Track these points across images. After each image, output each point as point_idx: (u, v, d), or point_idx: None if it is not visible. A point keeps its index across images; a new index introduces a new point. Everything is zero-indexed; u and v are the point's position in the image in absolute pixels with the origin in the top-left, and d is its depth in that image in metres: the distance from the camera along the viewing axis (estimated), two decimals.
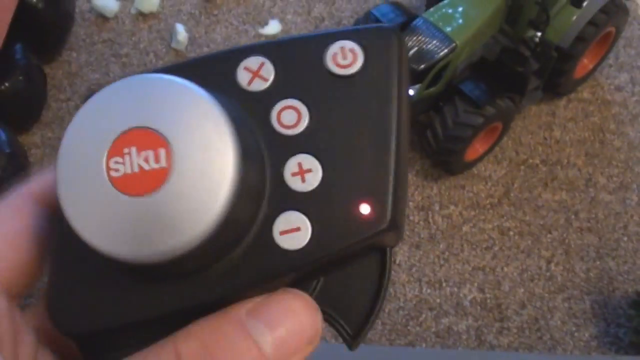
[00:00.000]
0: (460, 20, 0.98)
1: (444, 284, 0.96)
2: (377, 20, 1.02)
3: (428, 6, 1.06)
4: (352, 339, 0.25)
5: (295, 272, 0.24)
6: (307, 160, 0.24)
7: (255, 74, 0.25)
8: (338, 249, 0.24)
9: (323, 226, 0.24)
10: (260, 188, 0.24)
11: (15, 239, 0.26)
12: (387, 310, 0.93)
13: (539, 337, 0.92)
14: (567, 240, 1.01)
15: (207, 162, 0.21)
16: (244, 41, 1.20)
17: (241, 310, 0.23)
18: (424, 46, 0.96)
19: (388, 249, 0.26)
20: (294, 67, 0.25)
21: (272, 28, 1.21)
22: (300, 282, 0.25)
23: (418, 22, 0.99)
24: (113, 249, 0.21)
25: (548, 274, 0.98)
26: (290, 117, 0.24)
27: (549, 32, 1.02)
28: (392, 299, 0.93)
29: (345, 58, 0.25)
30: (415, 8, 1.20)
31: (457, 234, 1.01)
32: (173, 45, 1.18)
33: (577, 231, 1.02)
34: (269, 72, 0.25)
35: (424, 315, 0.93)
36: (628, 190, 1.07)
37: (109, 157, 0.22)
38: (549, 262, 0.99)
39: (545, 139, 1.10)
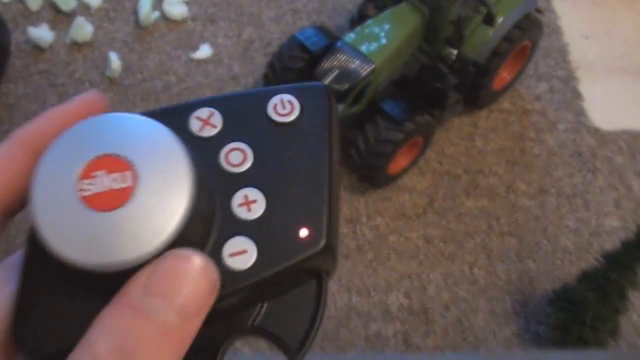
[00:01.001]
0: (379, 42, 1.04)
1: (372, 292, 1.01)
2: (301, 44, 1.08)
3: (351, 28, 1.11)
4: (295, 355, 0.28)
5: (243, 290, 0.27)
6: (252, 193, 0.27)
7: (205, 122, 0.29)
8: (281, 268, 0.27)
9: (267, 248, 0.27)
10: (210, 215, 0.27)
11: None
12: None
13: (463, 337, 0.98)
14: (489, 245, 1.07)
15: (167, 185, 0.24)
16: (177, 66, 1.24)
17: (136, 290, 0.24)
18: (346, 67, 1.01)
19: (324, 274, 0.29)
20: (240, 115, 0.29)
21: (203, 52, 1.25)
22: (247, 304, 0.28)
23: (339, 44, 1.04)
24: (82, 257, 0.24)
25: (471, 277, 1.03)
26: (237, 157, 0.28)
27: (466, 49, 1.08)
28: None
29: (284, 108, 0.29)
30: (339, 28, 1.26)
31: (384, 244, 1.06)
32: (107, 73, 1.21)
33: (498, 236, 1.08)
34: (218, 120, 0.29)
35: (353, 322, 0.98)
36: (547, 194, 1.13)
37: (80, 179, 0.24)
38: (472, 266, 1.04)
39: (467, 149, 1.16)
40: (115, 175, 0.24)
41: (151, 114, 0.28)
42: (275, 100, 0.29)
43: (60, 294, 0.26)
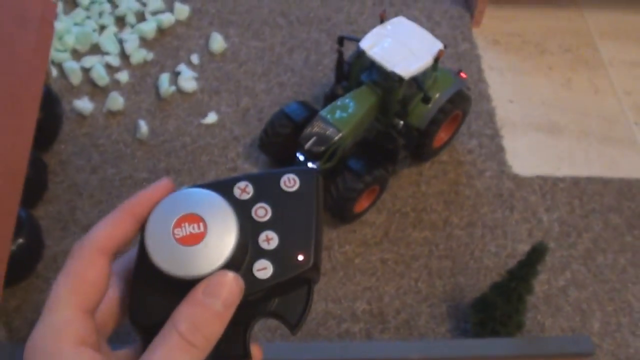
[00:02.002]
0: (347, 115, 1.34)
1: (342, 300, 1.31)
2: (287, 116, 1.39)
3: (325, 104, 1.41)
4: (294, 329, 0.40)
5: (264, 290, 0.39)
6: (271, 233, 0.39)
7: (243, 191, 0.41)
8: (287, 278, 0.39)
9: (279, 266, 0.39)
10: (246, 247, 0.39)
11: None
12: None
13: (410, 333, 1.29)
14: (429, 265, 1.38)
15: (223, 232, 0.37)
16: (190, 130, 1.53)
17: (199, 293, 0.36)
18: (322, 134, 1.32)
19: (312, 281, 0.41)
20: (263, 186, 0.41)
21: (210, 118, 1.54)
22: (267, 297, 0.40)
23: (318, 116, 1.34)
24: (175, 271, 0.37)
25: (416, 289, 1.34)
26: (262, 212, 0.40)
27: (410, 119, 1.40)
28: None
29: (290, 183, 0.41)
30: (315, 97, 1.57)
31: (351, 265, 1.36)
32: (137, 136, 1.49)
33: (437, 258, 1.39)
34: (250, 189, 0.41)
35: (329, 323, 1.28)
36: (475, 226, 1.45)
37: (174, 228, 0.37)
38: (417, 281, 1.36)
39: (414, 192, 1.48)
40: (194, 225, 0.37)
41: (210, 185, 0.40)
42: (285, 177, 0.41)
43: (156, 291, 0.38)
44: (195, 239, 0.37)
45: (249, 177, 0.42)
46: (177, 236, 0.37)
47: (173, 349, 0.36)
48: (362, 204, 1.40)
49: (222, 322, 0.37)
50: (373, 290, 1.34)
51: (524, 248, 1.42)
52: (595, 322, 1.36)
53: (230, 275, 0.37)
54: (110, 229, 0.40)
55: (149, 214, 0.39)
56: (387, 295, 1.34)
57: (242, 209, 0.40)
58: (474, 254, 1.41)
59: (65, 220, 1.37)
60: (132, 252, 0.43)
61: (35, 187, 1.37)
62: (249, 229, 0.39)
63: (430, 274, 1.38)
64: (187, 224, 0.37)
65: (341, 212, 1.36)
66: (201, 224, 0.37)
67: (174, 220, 0.37)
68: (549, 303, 1.37)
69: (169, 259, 0.37)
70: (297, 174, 0.42)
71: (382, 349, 1.13)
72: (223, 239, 0.37)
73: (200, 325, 0.36)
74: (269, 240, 0.39)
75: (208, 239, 0.37)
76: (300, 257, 0.39)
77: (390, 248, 1.40)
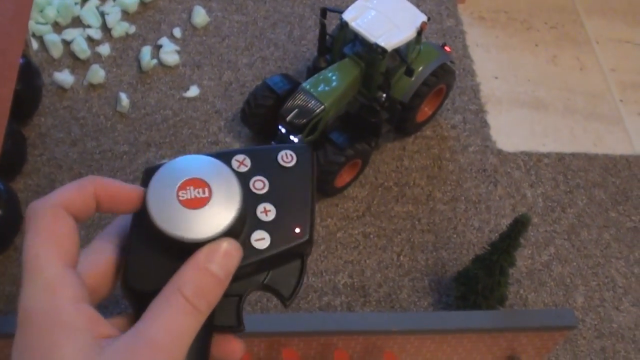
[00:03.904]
0: (329, 88, 1.33)
1: (324, 273, 1.31)
2: (270, 88, 1.38)
3: (308, 76, 1.40)
4: (287, 301, 0.41)
5: (261, 261, 0.40)
6: (268, 206, 0.41)
7: (241, 163, 0.42)
8: (283, 249, 0.40)
9: (276, 238, 0.40)
10: (245, 217, 0.40)
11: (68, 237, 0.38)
12: None
13: (391, 306, 1.29)
14: (412, 239, 1.38)
15: (227, 198, 0.38)
16: (172, 103, 1.52)
17: (202, 258, 0.37)
18: (304, 106, 1.31)
19: (305, 255, 0.42)
20: (261, 160, 0.42)
21: (192, 92, 1.53)
22: (262, 269, 0.41)
23: (300, 88, 1.34)
24: (177, 233, 0.37)
25: (398, 263, 1.34)
26: (259, 185, 0.41)
27: (393, 92, 1.39)
28: None
29: (287, 158, 0.42)
30: (298, 72, 1.56)
31: (333, 238, 1.36)
32: (118, 109, 1.48)
33: (419, 232, 1.39)
34: (248, 162, 0.42)
35: (310, 296, 1.28)
36: (458, 201, 1.45)
37: (178, 190, 0.38)
38: (399, 255, 1.36)
39: (397, 167, 1.48)
40: (199, 189, 0.38)
41: (209, 155, 0.41)
42: (282, 153, 0.43)
43: (153, 255, 0.39)
44: (199, 203, 0.38)
45: (246, 151, 0.43)
46: (181, 198, 0.38)
47: (178, 313, 0.36)
48: (344, 178, 1.39)
49: (222, 289, 0.38)
50: (355, 264, 1.34)
51: (507, 223, 1.38)
52: (578, 296, 1.37)
53: (230, 243, 0.38)
54: (68, 194, 0.40)
55: (107, 196, 0.40)
56: (368, 269, 1.34)
57: (240, 181, 0.40)
58: (456, 229, 1.41)
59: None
60: (121, 220, 0.43)
61: (14, 159, 1.36)
62: (247, 201, 0.40)
63: (413, 248, 1.37)
64: (192, 188, 0.38)
65: (323, 186, 1.36)
66: (206, 189, 0.38)
67: (179, 183, 0.38)
68: (532, 278, 1.37)
69: (171, 220, 0.37)
70: (294, 150, 0.43)
71: (363, 320, 1.12)
72: (226, 205, 0.38)
73: (205, 290, 0.37)
74: (267, 212, 0.41)
75: (212, 204, 0.38)
76: (297, 230, 0.41)
77: (372, 222, 1.40)
